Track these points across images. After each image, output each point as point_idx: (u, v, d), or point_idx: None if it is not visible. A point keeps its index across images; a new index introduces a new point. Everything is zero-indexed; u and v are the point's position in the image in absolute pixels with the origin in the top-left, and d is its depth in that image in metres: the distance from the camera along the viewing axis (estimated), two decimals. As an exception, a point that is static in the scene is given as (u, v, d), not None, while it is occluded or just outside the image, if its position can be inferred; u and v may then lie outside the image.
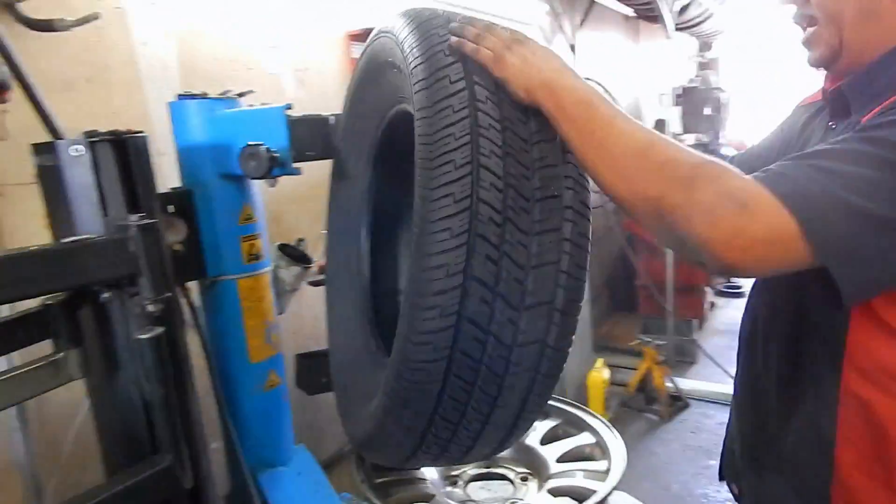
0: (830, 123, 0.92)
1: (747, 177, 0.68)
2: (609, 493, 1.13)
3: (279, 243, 1.74)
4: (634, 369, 3.75)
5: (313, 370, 2.04)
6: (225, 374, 1.60)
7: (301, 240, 2.01)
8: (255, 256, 1.57)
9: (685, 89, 4.44)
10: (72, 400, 1.47)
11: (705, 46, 5.51)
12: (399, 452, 0.89)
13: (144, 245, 1.10)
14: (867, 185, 0.63)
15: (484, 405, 0.78)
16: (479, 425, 0.81)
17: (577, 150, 0.75)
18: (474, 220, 0.70)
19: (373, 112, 1.15)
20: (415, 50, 0.81)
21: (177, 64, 1.94)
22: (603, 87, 4.48)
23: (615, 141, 0.72)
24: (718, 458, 1.19)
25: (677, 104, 4.43)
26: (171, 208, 1.49)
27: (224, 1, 2.08)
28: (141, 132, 1.22)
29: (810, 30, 0.86)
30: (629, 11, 5.21)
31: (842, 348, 0.79)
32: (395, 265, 1.41)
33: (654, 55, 5.51)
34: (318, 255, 2.26)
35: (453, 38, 0.81)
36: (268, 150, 1.24)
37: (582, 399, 3.44)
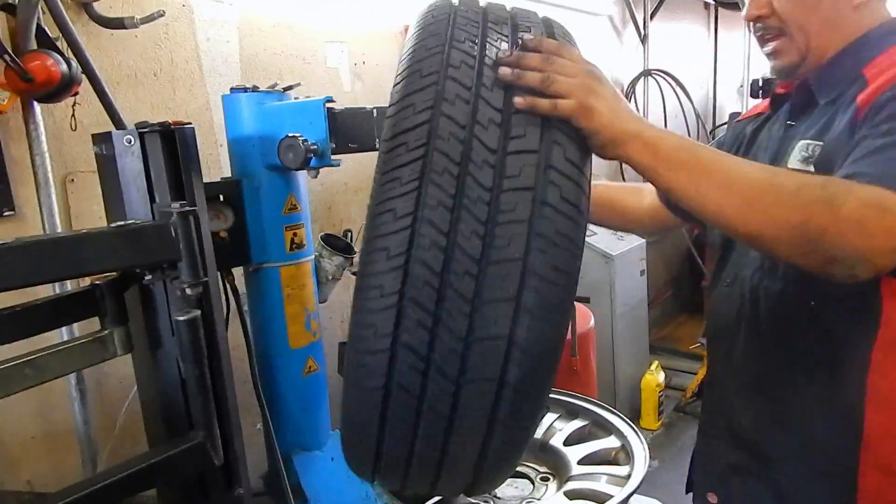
0: (790, 122, 0.98)
1: (863, 184, 0.70)
2: (626, 499, 1.09)
3: (323, 234, 1.78)
4: (694, 374, 3.61)
5: (356, 358, 2.09)
6: (265, 358, 1.66)
7: (348, 230, 2.06)
8: (297, 245, 1.62)
9: (765, 80, 4.18)
10: (128, 375, 1.57)
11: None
12: (362, 466, 0.80)
13: (184, 231, 1.16)
14: None
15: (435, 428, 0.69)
16: (434, 453, 0.71)
17: (692, 196, 0.71)
18: (407, 282, 0.63)
19: None
20: (402, 62, 0.71)
21: (238, 59, 2.02)
22: (676, 79, 4.34)
23: (737, 177, 0.70)
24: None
25: (755, 96, 4.19)
26: (221, 198, 1.58)
27: (284, -4, 2.15)
28: (189, 124, 1.28)
29: (776, 42, 0.94)
30: (707, -1, 4.98)
31: (875, 326, 0.83)
32: None
33: (733, 45, 5.23)
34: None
35: (505, 71, 0.68)
36: (305, 141, 1.27)
37: (635, 401, 3.35)
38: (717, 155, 0.73)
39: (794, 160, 0.89)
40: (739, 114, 1.21)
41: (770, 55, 0.96)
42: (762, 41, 0.97)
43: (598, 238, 3.23)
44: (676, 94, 4.40)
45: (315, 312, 1.68)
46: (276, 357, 1.64)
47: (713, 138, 3.90)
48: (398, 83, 0.70)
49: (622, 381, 3.30)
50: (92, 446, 1.60)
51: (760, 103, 1.16)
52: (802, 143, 0.90)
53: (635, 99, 4.30)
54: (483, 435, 0.70)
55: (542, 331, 0.65)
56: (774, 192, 0.69)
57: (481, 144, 0.66)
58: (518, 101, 0.67)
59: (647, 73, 4.30)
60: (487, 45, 0.71)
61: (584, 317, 2.67)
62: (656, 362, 3.41)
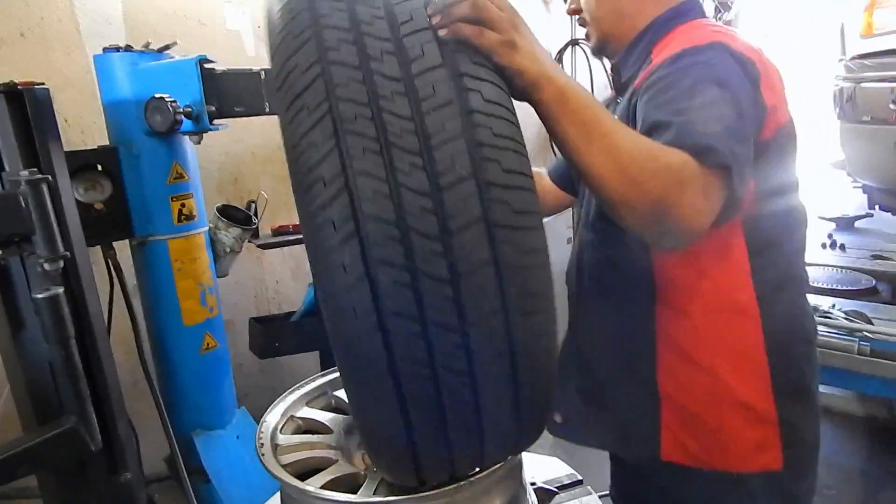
0: (617, 100, 1.05)
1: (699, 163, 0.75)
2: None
3: (219, 204, 1.70)
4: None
5: (266, 334, 2.02)
6: (158, 336, 1.58)
7: (251, 202, 1.97)
8: (187, 216, 1.53)
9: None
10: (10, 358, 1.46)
11: (724, 6, 5.25)
12: (401, 463, 0.71)
13: (37, 202, 1.06)
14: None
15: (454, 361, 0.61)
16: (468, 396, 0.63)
17: (582, 152, 0.73)
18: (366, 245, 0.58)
19: None
20: (272, 31, 0.65)
21: (121, 19, 1.87)
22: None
23: (623, 144, 0.73)
24: None
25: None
26: (99, 168, 1.47)
27: (175, -48, 2.00)
28: (42, 84, 1.17)
29: (585, 29, 1.09)
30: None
31: (653, 286, 0.95)
32: None
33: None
34: (274, 218, 2.23)
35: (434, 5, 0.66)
36: (174, 103, 1.18)
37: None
38: (614, 123, 0.75)
39: None
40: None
41: (585, 37, 1.11)
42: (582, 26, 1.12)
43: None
44: (603, 65, 4.42)
45: (211, 287, 1.60)
46: (170, 334, 1.56)
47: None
48: (274, 52, 0.64)
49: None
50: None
51: None
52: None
53: (563, 69, 4.30)
54: (510, 372, 0.64)
55: (524, 238, 0.61)
56: (651, 165, 0.73)
57: (383, 77, 0.60)
58: (443, 31, 0.64)
59: (574, 42, 4.29)
60: None
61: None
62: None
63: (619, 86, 1.08)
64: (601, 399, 1.05)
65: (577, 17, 1.10)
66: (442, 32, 0.64)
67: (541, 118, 0.73)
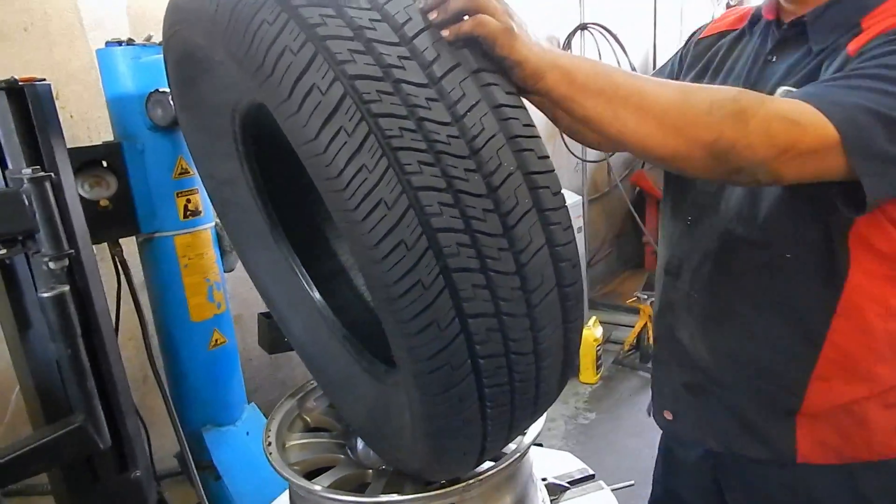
0: (770, 57, 0.94)
1: (789, 98, 0.74)
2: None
3: (225, 199, 1.68)
4: (632, 327, 3.67)
5: (275, 329, 2.01)
6: (166, 332, 1.57)
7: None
8: (193, 212, 1.52)
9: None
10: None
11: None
12: (469, 456, 0.75)
13: (40, 199, 1.05)
14: (891, 99, 0.72)
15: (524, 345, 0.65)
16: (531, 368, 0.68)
17: (611, 122, 0.70)
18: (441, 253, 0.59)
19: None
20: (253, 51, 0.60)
21: (125, 12, 1.86)
22: (613, 34, 4.28)
23: (653, 100, 0.70)
24: None
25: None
26: (104, 164, 1.46)
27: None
28: (43, 79, 1.16)
29: None
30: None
31: (838, 292, 0.88)
32: (335, 262, 1.27)
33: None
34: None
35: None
36: (176, 97, 1.16)
37: (575, 358, 3.38)
38: (633, 78, 0.72)
39: None
40: (701, 30, 1.14)
41: None
42: None
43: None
44: (613, 51, 4.35)
45: (219, 283, 1.59)
46: (178, 331, 1.55)
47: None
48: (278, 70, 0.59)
49: (561, 338, 3.32)
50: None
51: (724, 19, 1.10)
52: (783, 89, 0.88)
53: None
54: (563, 346, 0.69)
55: (565, 216, 0.64)
56: (689, 112, 0.70)
57: (411, 85, 0.59)
58: (445, 32, 0.62)
59: (583, 26, 4.22)
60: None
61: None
62: (594, 318, 3.43)
63: (783, 42, 0.95)
64: (716, 396, 1.01)
65: None
66: (445, 34, 0.61)
67: (552, 107, 0.70)
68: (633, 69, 4.30)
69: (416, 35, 0.60)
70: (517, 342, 0.63)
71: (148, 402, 1.88)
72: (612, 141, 0.72)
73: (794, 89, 0.84)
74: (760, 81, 0.93)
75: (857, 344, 0.91)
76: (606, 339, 3.61)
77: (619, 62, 4.32)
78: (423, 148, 0.57)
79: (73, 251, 1.11)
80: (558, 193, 0.63)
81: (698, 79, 1.04)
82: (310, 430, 1.14)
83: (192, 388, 1.59)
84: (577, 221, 3.51)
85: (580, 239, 3.56)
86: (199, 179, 1.55)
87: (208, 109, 0.99)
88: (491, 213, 0.59)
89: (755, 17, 0.99)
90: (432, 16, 0.62)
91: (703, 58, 1.05)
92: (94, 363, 1.18)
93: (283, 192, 1.14)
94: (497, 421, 0.70)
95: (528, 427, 0.83)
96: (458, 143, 0.58)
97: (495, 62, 0.64)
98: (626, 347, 3.64)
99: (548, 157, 0.63)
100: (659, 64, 5.32)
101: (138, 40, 1.42)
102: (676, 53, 1.14)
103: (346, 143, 0.56)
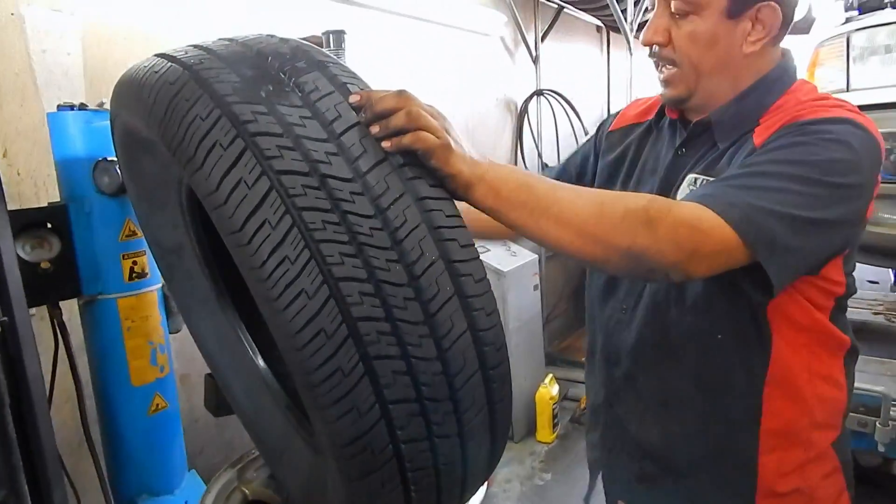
0: (680, 150, 1.02)
1: (689, 203, 0.81)
2: None
3: (173, 259, 1.67)
4: (590, 385, 3.70)
5: (221, 391, 1.97)
6: (104, 396, 1.52)
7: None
8: (139, 274, 1.50)
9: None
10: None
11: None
12: None
13: (-28, 265, 1.03)
14: (782, 195, 0.80)
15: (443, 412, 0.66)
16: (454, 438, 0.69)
17: (533, 231, 0.75)
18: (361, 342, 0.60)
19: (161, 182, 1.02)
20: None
21: (81, 72, 1.87)
22: (567, 99, 4.48)
23: (571, 211, 0.75)
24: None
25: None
26: (48, 225, 1.44)
27: (139, 6, 2.02)
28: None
29: (670, 70, 0.98)
30: (597, 22, 5.20)
31: (765, 363, 0.94)
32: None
33: (624, 66, 5.48)
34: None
35: (358, 100, 0.66)
36: (123, 165, 1.17)
37: (531, 415, 3.38)
38: (553, 190, 0.76)
39: (681, 193, 0.97)
40: (609, 121, 1.20)
41: (662, 83, 1.00)
42: (657, 67, 1.00)
43: (490, 255, 3.25)
44: (567, 115, 4.55)
45: (163, 345, 1.56)
46: (117, 395, 1.51)
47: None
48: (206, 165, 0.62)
49: (518, 396, 3.32)
50: None
51: (630, 111, 1.18)
52: (691, 176, 0.96)
53: (528, 119, 4.40)
54: (488, 427, 0.70)
55: (490, 301, 0.66)
56: (604, 222, 0.75)
57: (336, 179, 0.61)
58: (386, 144, 0.65)
59: (539, 92, 4.42)
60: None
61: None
62: (550, 375, 3.45)
63: (691, 140, 1.01)
64: (672, 484, 1.04)
65: (653, 51, 0.97)
66: (385, 145, 0.65)
67: (485, 213, 0.74)
68: (585, 132, 4.50)
69: (345, 131, 0.64)
70: (440, 426, 0.65)
71: (82, 468, 1.79)
72: (538, 244, 0.78)
73: (700, 176, 0.93)
74: (673, 173, 1.01)
75: (791, 412, 0.97)
76: (563, 397, 3.63)
77: (572, 124, 4.52)
78: (346, 240, 0.60)
79: (6, 318, 1.08)
80: (482, 280, 0.66)
81: (617, 167, 1.12)
82: (248, 503, 1.12)
83: (129, 454, 1.53)
84: (534, 279, 3.57)
85: (537, 296, 3.61)
86: (147, 241, 1.54)
87: (154, 182, 1.01)
88: (412, 301, 0.61)
89: (661, 113, 1.07)
90: (374, 129, 0.65)
91: (616, 149, 1.13)
92: (22, 433, 1.14)
93: (229, 260, 1.15)
94: (418, 472, 0.70)
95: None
96: (381, 235, 0.61)
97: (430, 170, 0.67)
98: (583, 405, 3.66)
99: (472, 245, 0.66)
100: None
101: (91, 105, 1.44)
102: (589, 141, 1.24)
103: (269, 235, 0.58)
